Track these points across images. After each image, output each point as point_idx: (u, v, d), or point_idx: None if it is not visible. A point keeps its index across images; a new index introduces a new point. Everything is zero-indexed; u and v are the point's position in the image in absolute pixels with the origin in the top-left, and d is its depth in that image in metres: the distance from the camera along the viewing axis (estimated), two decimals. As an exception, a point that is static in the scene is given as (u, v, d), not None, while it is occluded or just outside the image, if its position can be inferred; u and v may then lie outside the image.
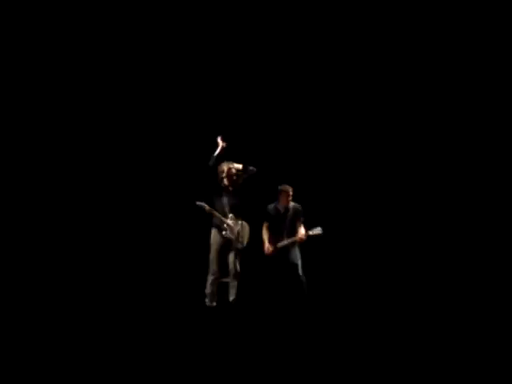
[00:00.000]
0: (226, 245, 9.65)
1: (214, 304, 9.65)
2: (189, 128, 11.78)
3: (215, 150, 9.64)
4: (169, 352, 7.52)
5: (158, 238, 11.61)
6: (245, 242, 9.74)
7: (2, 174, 11.42)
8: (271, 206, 10.09)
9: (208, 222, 9.74)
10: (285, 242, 9.93)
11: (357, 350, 7.63)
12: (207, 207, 9.63)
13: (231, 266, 9.62)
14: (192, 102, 11.92)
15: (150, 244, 11.59)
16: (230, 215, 9.63)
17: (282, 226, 10.00)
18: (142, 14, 11.71)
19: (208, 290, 9.64)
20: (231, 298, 9.64)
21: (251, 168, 9.70)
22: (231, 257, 9.65)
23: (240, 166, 9.70)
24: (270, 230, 10.03)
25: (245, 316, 9.27)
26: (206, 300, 9.66)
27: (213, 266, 9.64)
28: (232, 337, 8.25)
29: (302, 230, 9.92)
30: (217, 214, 9.61)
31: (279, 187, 10.04)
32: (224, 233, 9.59)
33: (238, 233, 9.66)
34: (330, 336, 8.32)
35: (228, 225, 9.60)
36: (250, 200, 9.90)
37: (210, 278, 9.63)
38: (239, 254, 9.69)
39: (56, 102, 11.69)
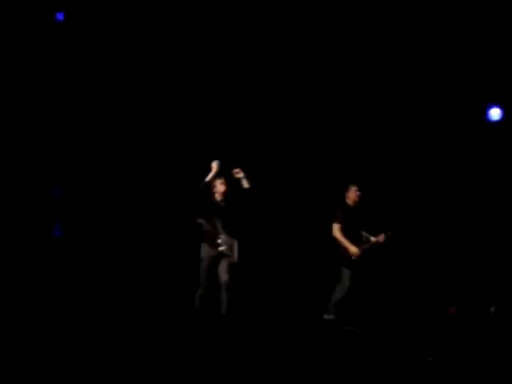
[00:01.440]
0: (217, 259, 9.68)
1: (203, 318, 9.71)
2: (185, 140, 11.83)
3: (208, 174, 9.58)
4: (156, 364, 7.59)
5: (150, 252, 11.72)
6: (236, 257, 9.77)
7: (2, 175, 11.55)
8: (342, 207, 9.87)
9: (198, 236, 9.81)
10: (367, 245, 9.79)
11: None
12: (206, 225, 9.66)
13: (223, 279, 9.64)
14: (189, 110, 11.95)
15: (142, 259, 11.71)
16: (223, 231, 9.65)
17: (353, 226, 9.83)
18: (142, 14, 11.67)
19: (197, 304, 9.70)
20: (223, 312, 9.64)
21: (245, 186, 9.63)
22: (222, 271, 9.67)
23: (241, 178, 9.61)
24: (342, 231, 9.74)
25: (238, 328, 9.39)
26: (196, 313, 9.69)
27: (203, 281, 9.69)
28: (224, 350, 8.35)
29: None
30: (211, 229, 9.64)
31: (351, 184, 9.87)
32: (220, 248, 9.61)
33: (231, 247, 9.69)
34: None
35: (222, 240, 9.63)
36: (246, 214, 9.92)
37: (200, 293, 9.69)
38: (230, 267, 9.70)
39: (57, 104, 11.75)
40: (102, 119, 11.99)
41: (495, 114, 11.50)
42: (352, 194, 9.85)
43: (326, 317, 9.78)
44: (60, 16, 11.43)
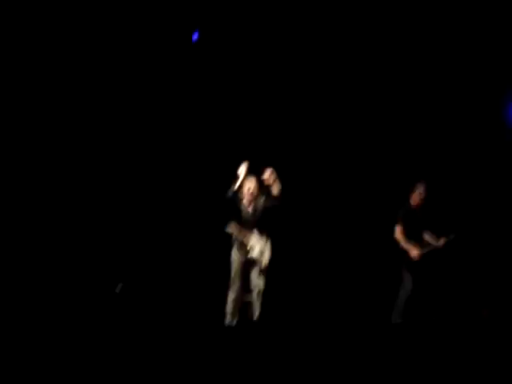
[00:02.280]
0: (248, 263, 9.62)
1: (235, 323, 9.67)
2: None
3: (235, 181, 9.35)
4: (183, 372, 7.56)
5: (179, 255, 11.72)
6: (268, 261, 9.70)
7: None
8: (405, 208, 9.76)
9: (229, 239, 9.76)
10: (427, 248, 9.67)
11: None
12: (235, 232, 9.58)
13: (254, 284, 9.59)
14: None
15: (170, 260, 11.71)
16: (254, 234, 9.60)
17: (415, 228, 9.74)
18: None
19: (228, 308, 9.64)
20: (255, 317, 9.58)
21: (275, 192, 9.43)
22: (254, 275, 9.62)
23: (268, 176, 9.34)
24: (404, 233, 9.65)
25: (268, 335, 9.28)
26: (226, 318, 9.64)
27: (234, 285, 9.63)
28: (253, 357, 8.31)
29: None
30: (241, 235, 9.57)
31: (417, 185, 9.76)
32: (249, 256, 9.56)
33: (262, 252, 9.62)
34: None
35: (251, 246, 9.58)
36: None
37: (231, 297, 9.62)
38: (263, 272, 9.62)
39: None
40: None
41: None
42: (416, 196, 9.76)
43: (394, 321, 9.69)
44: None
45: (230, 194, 9.40)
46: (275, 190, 9.37)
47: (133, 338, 8.93)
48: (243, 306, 9.70)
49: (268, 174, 9.30)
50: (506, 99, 11.33)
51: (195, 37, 11.55)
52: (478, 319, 10.23)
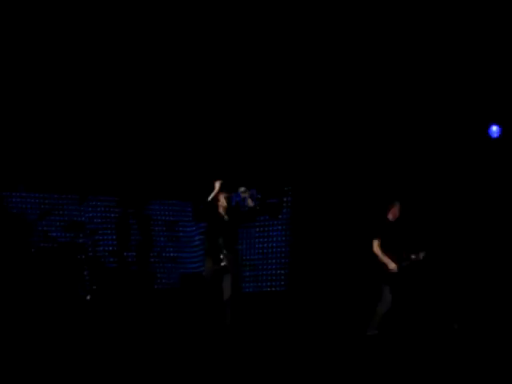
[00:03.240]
0: (220, 273, 9.67)
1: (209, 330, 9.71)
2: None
3: (210, 194, 9.65)
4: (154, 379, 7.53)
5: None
6: (240, 269, 9.80)
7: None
8: (382, 222, 9.82)
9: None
10: (406, 261, 9.69)
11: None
12: (209, 239, 9.70)
13: (226, 294, 9.64)
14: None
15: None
16: (225, 245, 9.67)
17: (394, 242, 9.74)
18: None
19: (203, 316, 9.71)
20: (227, 322, 9.64)
21: (250, 204, 9.72)
22: (226, 285, 9.66)
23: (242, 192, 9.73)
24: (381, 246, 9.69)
25: (241, 339, 9.36)
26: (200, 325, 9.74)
27: (206, 292, 9.68)
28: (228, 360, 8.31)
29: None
30: (214, 243, 9.66)
31: (393, 202, 9.81)
32: (223, 264, 9.62)
33: (234, 262, 9.69)
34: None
35: (225, 254, 9.63)
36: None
37: (206, 305, 9.69)
38: (235, 280, 9.70)
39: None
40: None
41: (495, 131, 11.66)
42: (395, 211, 9.84)
43: (369, 333, 9.72)
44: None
45: (204, 204, 9.66)
46: (249, 203, 9.74)
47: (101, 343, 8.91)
48: (216, 312, 9.73)
49: (243, 189, 9.72)
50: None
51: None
52: (449, 331, 10.30)
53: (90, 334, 9.92)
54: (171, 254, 14.77)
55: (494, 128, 11.68)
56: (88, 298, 12.26)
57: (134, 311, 12.16)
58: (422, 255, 9.73)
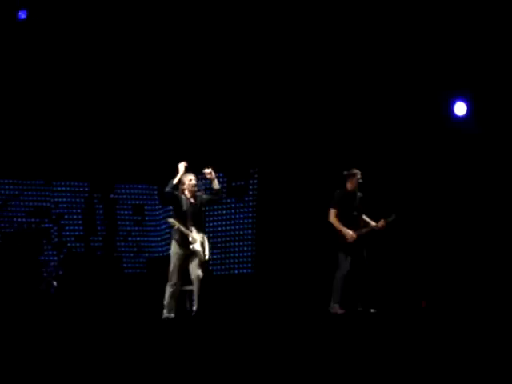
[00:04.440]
0: (187, 256, 9.65)
1: (172, 315, 9.66)
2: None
3: (174, 176, 9.56)
4: (124, 366, 7.51)
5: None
6: (207, 254, 9.75)
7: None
8: (340, 192, 9.79)
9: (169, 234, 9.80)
10: (365, 229, 9.74)
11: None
12: (176, 224, 9.59)
13: (195, 275, 9.59)
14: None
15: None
16: (193, 228, 9.63)
17: (352, 212, 9.77)
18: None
19: (166, 301, 9.61)
20: (194, 309, 9.64)
21: (216, 187, 9.70)
22: (194, 266, 9.63)
23: (208, 172, 9.66)
24: (338, 216, 9.68)
25: (207, 326, 9.25)
26: (164, 311, 9.60)
27: (173, 278, 9.62)
28: (193, 348, 8.29)
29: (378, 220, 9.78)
30: (182, 228, 9.59)
31: (348, 172, 9.79)
32: (191, 246, 9.57)
33: (202, 244, 9.66)
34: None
35: (193, 237, 9.60)
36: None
37: (170, 290, 9.59)
38: (202, 265, 9.68)
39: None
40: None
41: (461, 108, 11.57)
42: (353, 180, 9.80)
43: (331, 306, 9.72)
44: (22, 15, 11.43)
45: (169, 187, 9.53)
46: (215, 185, 9.70)
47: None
48: (181, 297, 9.70)
49: (209, 170, 9.62)
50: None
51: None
52: (416, 309, 10.39)
53: (57, 321, 9.86)
54: (138, 239, 14.74)
55: (459, 105, 11.49)
56: (55, 284, 12.20)
57: (100, 296, 12.11)
58: (382, 223, 9.77)
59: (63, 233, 14.17)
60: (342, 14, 11.48)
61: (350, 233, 9.62)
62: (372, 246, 9.95)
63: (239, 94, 12.72)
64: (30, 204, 14.10)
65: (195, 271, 9.59)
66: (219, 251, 13.74)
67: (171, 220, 9.64)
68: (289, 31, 11.79)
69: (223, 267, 13.75)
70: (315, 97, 12.25)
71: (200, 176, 9.86)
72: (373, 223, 9.83)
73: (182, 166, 9.57)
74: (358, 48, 11.71)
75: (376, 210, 9.96)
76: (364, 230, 9.76)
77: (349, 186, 9.83)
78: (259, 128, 12.80)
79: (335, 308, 9.69)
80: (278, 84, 12.41)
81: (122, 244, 14.62)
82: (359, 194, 9.90)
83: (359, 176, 9.78)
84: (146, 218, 14.85)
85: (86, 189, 14.40)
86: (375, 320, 9.34)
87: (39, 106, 13.03)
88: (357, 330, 8.58)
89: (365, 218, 9.90)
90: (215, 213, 13.87)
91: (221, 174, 12.42)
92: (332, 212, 9.74)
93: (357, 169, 9.86)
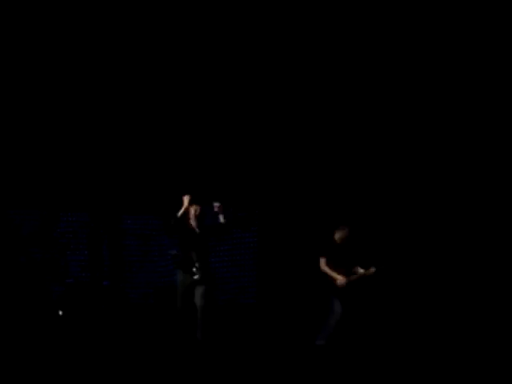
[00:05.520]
0: (192, 286, 9.88)
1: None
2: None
3: (179, 209, 9.89)
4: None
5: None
6: (212, 282, 10.01)
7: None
8: (329, 242, 10.27)
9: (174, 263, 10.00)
10: (355, 276, 10.14)
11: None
12: (181, 252, 9.93)
13: (198, 305, 9.85)
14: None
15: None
16: (197, 258, 9.86)
17: (341, 261, 10.18)
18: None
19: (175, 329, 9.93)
20: (199, 336, 9.86)
21: (221, 221, 9.99)
22: (197, 297, 9.87)
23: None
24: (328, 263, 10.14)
25: (214, 352, 9.56)
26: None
27: (179, 307, 9.92)
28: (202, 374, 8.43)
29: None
30: (186, 256, 9.85)
31: (337, 228, 10.26)
32: (195, 277, 9.79)
33: (207, 273, 9.93)
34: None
35: (197, 267, 9.81)
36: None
37: (177, 318, 9.91)
38: (208, 292, 9.93)
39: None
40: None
41: None
42: (342, 235, 10.24)
43: (318, 343, 10.03)
44: None
45: (173, 220, 9.86)
46: (222, 219, 10.04)
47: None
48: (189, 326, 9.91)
49: (218, 204, 9.99)
50: None
51: None
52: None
53: (63, 350, 9.99)
54: (144, 268, 14.86)
55: None
56: (60, 313, 12.35)
57: (107, 326, 12.25)
58: (372, 270, 10.10)
59: (69, 263, 14.28)
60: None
61: (339, 278, 10.01)
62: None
63: (242, 129, 12.90)
64: (36, 234, 14.22)
65: (197, 300, 9.86)
66: (222, 281, 13.87)
67: (174, 251, 9.92)
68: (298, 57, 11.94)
69: (226, 297, 13.87)
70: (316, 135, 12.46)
71: (208, 208, 10.12)
72: (361, 270, 10.15)
73: (186, 199, 9.90)
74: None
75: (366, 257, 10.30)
76: (353, 277, 10.12)
77: (337, 238, 10.25)
78: (264, 164, 12.95)
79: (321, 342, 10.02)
80: (280, 117, 12.60)
81: (128, 274, 14.73)
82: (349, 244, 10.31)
83: (347, 232, 10.23)
84: (152, 248, 14.98)
85: (92, 219, 14.53)
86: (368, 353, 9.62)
87: (47, 134, 13.19)
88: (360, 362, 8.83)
89: (356, 268, 10.23)
90: (219, 243, 14.01)
91: (231, 209, 12.60)
92: (322, 261, 10.19)
93: (346, 225, 10.30)
